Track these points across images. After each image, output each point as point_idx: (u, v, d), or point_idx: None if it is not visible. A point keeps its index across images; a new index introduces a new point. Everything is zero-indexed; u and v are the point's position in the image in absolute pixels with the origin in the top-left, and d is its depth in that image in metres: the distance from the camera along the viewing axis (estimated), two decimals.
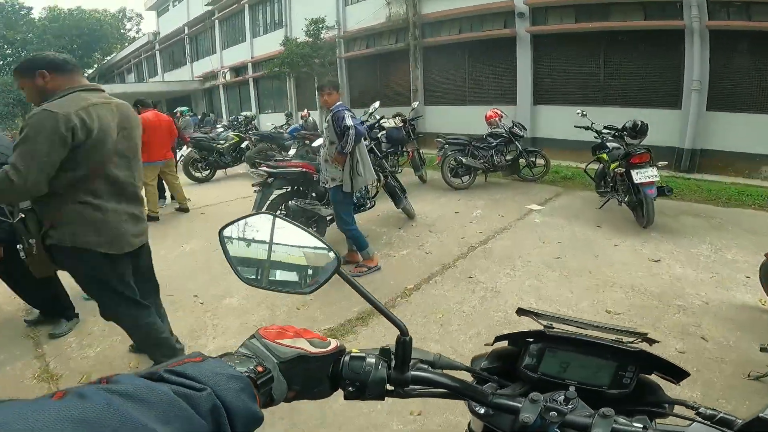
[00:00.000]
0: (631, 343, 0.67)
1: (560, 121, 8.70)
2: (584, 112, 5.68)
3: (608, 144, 5.07)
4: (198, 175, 8.14)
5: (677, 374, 0.66)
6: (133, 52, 29.11)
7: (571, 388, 0.58)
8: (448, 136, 6.69)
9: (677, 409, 0.66)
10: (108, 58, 34.55)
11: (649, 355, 0.65)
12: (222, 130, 10.35)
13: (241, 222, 0.67)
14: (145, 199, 3.31)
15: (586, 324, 0.69)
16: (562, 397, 0.57)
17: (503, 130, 6.68)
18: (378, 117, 6.84)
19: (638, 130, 4.84)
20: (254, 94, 17.99)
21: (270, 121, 12.61)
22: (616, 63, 8.48)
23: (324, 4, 13.54)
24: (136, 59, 29.05)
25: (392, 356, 0.58)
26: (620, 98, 8.33)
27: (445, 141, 6.54)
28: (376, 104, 6.58)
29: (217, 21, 19.64)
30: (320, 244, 0.64)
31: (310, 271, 0.64)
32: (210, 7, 19.49)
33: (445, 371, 0.61)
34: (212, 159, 8.18)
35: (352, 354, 0.58)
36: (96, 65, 37.00)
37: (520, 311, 0.73)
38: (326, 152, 3.41)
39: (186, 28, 22.02)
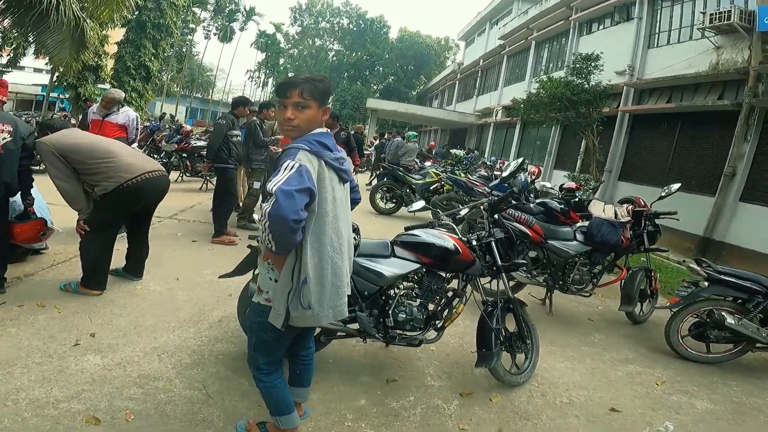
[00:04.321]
0: None
1: None
2: None
3: None
4: (382, 206, 7.61)
5: None
6: (441, 79, 32.37)
7: None
8: (706, 264, 3.22)
9: None
10: (429, 82, 39.91)
11: None
12: (429, 165, 9.55)
13: None
14: None
15: None
16: None
17: None
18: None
19: None
20: (517, 139, 16.16)
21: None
22: None
23: (620, 45, 10.25)
24: (442, 86, 32.21)
25: None
26: None
27: (703, 274, 3.17)
28: (676, 186, 4.09)
29: (505, 56, 18.73)
30: None
31: None
32: (502, 41, 18.77)
33: None
34: (399, 193, 7.49)
35: None
36: (418, 87, 43.66)
37: None
38: None
39: (481, 60, 22.25)
